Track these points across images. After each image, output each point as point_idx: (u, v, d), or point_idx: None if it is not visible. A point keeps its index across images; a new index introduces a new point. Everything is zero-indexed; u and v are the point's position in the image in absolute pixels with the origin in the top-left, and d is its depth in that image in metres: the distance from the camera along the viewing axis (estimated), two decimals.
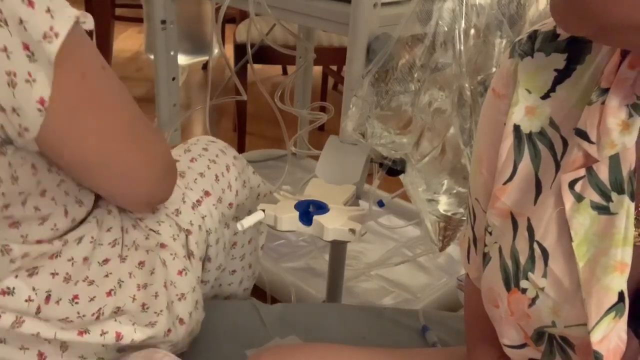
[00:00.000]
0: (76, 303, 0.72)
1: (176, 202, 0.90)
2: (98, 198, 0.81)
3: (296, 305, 1.26)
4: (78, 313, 0.72)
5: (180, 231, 0.88)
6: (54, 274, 0.70)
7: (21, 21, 0.55)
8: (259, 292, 1.36)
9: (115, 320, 0.74)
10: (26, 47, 0.55)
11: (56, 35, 0.57)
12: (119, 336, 0.73)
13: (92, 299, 0.73)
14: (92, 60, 0.66)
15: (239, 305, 1.08)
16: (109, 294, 0.75)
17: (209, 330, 0.94)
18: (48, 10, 0.57)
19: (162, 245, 0.84)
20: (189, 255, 0.89)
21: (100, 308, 0.74)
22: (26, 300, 0.67)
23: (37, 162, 0.66)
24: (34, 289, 0.68)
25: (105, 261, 0.76)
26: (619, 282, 0.50)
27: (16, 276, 0.67)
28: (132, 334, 0.75)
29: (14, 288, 0.66)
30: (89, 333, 0.71)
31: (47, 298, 0.69)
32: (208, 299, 1.06)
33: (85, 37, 0.63)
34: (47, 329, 0.68)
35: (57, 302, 0.70)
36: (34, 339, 0.69)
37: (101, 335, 0.72)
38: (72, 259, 0.72)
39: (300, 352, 0.77)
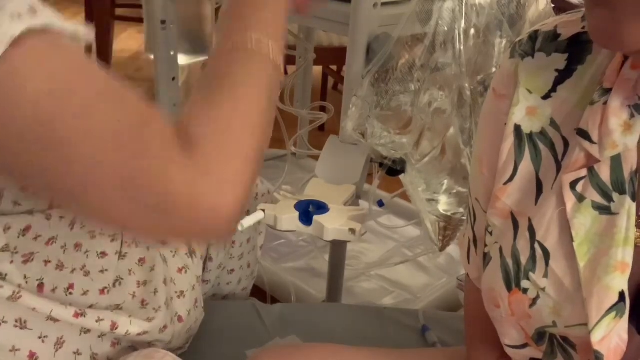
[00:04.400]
0: (70, 294, 0.71)
1: None
2: None
3: (296, 305, 1.26)
4: (71, 305, 0.72)
5: None
6: (46, 262, 0.69)
7: None
8: (259, 292, 1.36)
9: (112, 312, 0.74)
10: None
11: None
12: (114, 325, 0.73)
13: (84, 293, 0.73)
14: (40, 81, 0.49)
15: (239, 305, 1.08)
16: (102, 292, 0.75)
17: (209, 330, 0.94)
18: None
19: (163, 242, 0.84)
20: (191, 253, 0.89)
21: (92, 305, 0.73)
22: (18, 286, 0.67)
23: None
24: (25, 277, 0.67)
25: (103, 254, 0.76)
26: (619, 282, 0.50)
27: (11, 262, 0.66)
28: (128, 325, 0.75)
29: (6, 275, 0.66)
30: (84, 316, 0.70)
31: (40, 286, 0.69)
32: (207, 298, 1.06)
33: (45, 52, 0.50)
34: (44, 305, 0.68)
35: (53, 290, 0.70)
36: (26, 337, 0.68)
37: (97, 321, 0.72)
38: (65, 245, 0.71)
39: (300, 352, 0.77)
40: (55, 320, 0.69)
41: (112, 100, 0.52)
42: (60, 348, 0.71)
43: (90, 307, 0.73)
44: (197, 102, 0.59)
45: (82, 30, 0.54)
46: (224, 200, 0.53)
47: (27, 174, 0.51)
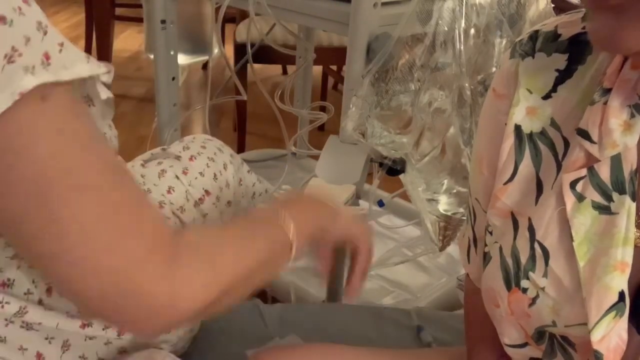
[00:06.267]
0: None
1: (180, 199, 0.91)
2: None
3: (296, 306, 1.26)
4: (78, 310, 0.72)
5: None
6: None
7: None
8: (260, 292, 1.36)
9: None
10: None
11: None
12: (121, 331, 0.73)
13: None
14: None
15: (239, 305, 1.08)
16: None
17: (209, 330, 0.94)
18: None
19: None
20: None
21: None
22: (25, 293, 0.67)
23: None
24: (33, 281, 0.68)
25: None
26: (619, 281, 0.50)
27: (18, 267, 0.67)
28: None
29: (14, 280, 0.66)
30: (91, 326, 0.71)
31: (49, 290, 0.69)
32: None
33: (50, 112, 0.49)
34: (51, 319, 0.68)
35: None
36: (34, 338, 0.69)
37: (103, 329, 0.72)
38: None
39: (300, 352, 0.77)
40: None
41: (112, 181, 0.53)
42: (67, 350, 0.71)
43: None
44: (209, 228, 0.68)
45: (101, 69, 0.54)
46: (179, 313, 0.55)
47: (8, 222, 0.52)
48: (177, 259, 0.55)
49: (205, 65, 3.09)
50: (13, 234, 0.53)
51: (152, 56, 1.55)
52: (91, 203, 0.51)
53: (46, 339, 0.69)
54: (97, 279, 0.52)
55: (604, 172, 0.52)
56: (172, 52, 1.47)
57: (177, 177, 0.94)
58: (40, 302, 0.68)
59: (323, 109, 2.12)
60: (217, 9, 1.26)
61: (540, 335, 0.58)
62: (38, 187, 0.49)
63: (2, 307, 0.65)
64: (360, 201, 1.13)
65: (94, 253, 0.51)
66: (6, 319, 0.67)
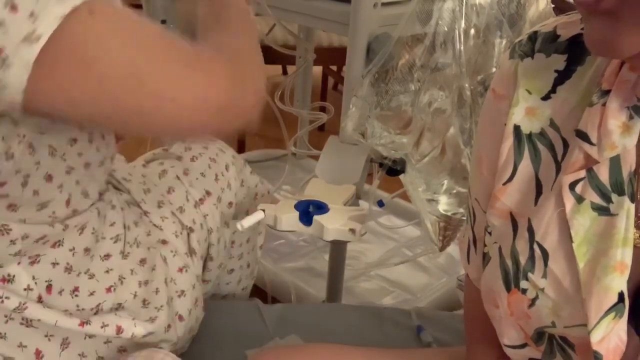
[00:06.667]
0: (76, 296, 0.72)
1: (180, 199, 0.91)
2: (102, 192, 0.81)
3: (296, 305, 1.26)
4: (77, 306, 0.72)
5: (183, 229, 0.89)
6: (54, 264, 0.70)
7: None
8: (260, 292, 1.37)
9: (116, 315, 0.74)
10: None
11: (37, 38, 0.52)
12: (119, 329, 0.74)
13: (91, 294, 0.73)
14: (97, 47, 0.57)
15: (239, 305, 1.08)
16: (108, 290, 0.75)
17: (210, 330, 0.94)
18: (32, 14, 0.51)
19: (164, 242, 0.85)
20: (191, 253, 0.89)
21: (100, 304, 0.74)
22: (25, 289, 0.67)
23: (36, 142, 0.64)
24: (33, 277, 0.68)
25: (107, 256, 0.77)
26: (618, 282, 0.50)
27: (19, 263, 0.67)
28: (132, 328, 0.75)
29: (14, 276, 0.67)
30: (89, 324, 0.71)
31: (49, 288, 0.69)
32: (207, 298, 1.06)
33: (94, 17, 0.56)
34: (50, 316, 0.68)
35: (60, 292, 0.70)
36: (33, 335, 0.69)
37: (102, 327, 0.72)
38: (74, 248, 0.72)
39: (300, 353, 0.77)
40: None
41: (175, 42, 0.62)
42: (66, 348, 0.71)
43: (95, 313, 0.73)
44: (216, 31, 0.75)
45: None
46: (255, 97, 0.68)
47: (107, 115, 0.60)
48: (244, 80, 0.66)
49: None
50: (113, 122, 0.64)
51: None
52: (171, 62, 0.60)
53: (45, 336, 0.70)
54: (207, 113, 0.62)
55: (603, 173, 0.52)
56: None
57: (177, 177, 0.94)
58: (39, 299, 0.69)
59: (323, 109, 2.12)
60: None
61: (539, 336, 0.58)
62: (125, 78, 0.57)
63: (2, 301, 0.66)
64: (360, 201, 1.13)
65: (193, 96, 0.61)
66: (6, 315, 0.67)
